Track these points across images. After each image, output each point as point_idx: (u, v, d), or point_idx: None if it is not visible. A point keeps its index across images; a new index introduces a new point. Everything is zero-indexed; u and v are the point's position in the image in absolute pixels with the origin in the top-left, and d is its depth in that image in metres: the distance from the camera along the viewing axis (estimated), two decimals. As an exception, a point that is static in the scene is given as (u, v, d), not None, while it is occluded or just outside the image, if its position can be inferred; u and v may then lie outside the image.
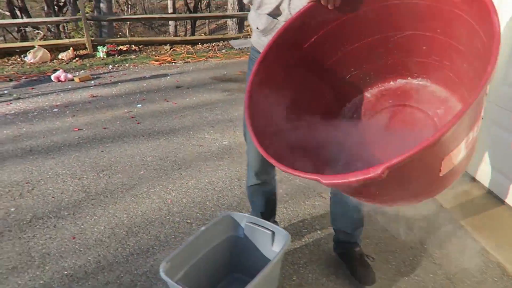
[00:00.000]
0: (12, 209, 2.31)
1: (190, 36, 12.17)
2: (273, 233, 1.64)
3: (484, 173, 2.51)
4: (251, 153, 1.81)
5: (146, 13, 18.83)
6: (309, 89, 1.31)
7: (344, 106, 1.39)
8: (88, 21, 6.81)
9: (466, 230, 2.14)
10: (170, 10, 17.23)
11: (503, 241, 2.03)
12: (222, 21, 16.62)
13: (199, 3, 17.28)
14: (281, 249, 1.51)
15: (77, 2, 10.25)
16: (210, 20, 16.23)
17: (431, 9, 1.05)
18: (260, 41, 1.61)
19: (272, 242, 1.65)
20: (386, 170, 0.72)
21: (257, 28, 1.57)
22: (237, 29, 11.74)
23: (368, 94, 1.35)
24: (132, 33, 15.72)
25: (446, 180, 1.00)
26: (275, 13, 1.42)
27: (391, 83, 1.31)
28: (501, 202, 2.36)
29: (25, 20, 7.94)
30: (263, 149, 1.01)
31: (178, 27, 17.01)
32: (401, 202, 1.23)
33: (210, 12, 18.24)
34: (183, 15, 11.77)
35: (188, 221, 2.19)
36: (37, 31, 8.92)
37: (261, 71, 1.20)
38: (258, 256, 1.68)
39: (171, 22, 15.48)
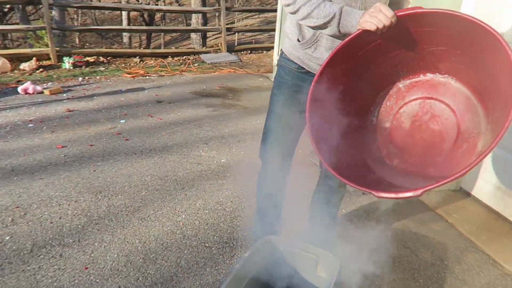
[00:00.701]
0: (7, 238, 2.09)
1: (163, 49, 11.90)
2: (317, 257, 1.61)
3: (481, 189, 2.64)
4: (272, 154, 1.77)
5: (97, 23, 18.22)
6: (352, 90, 1.49)
7: (378, 94, 1.56)
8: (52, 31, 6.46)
9: (476, 244, 2.22)
10: (124, 20, 16.88)
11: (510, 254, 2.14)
12: (176, 33, 16.53)
13: (154, 15, 17.05)
14: (334, 275, 1.48)
15: (32, 9, 9.71)
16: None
17: (463, 37, 1.19)
18: (296, 53, 1.61)
19: (316, 267, 1.62)
20: (424, 192, 1.06)
21: (298, 41, 1.56)
22: (201, 42, 11.69)
23: (400, 85, 1.52)
24: (82, 43, 15.11)
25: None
26: (321, 27, 1.42)
27: (421, 76, 1.48)
28: (497, 214, 2.49)
29: None
30: (327, 164, 1.28)
31: (132, 38, 16.67)
32: None
33: (165, 24, 17.99)
34: (152, 27, 11.54)
35: (207, 244, 2.10)
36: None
37: (316, 90, 1.36)
38: (302, 282, 1.63)
39: (125, 33, 15.18)
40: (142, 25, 15.65)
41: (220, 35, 12.13)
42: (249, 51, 8.10)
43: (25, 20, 12.35)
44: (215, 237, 2.17)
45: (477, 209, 2.60)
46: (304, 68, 1.61)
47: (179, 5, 17.82)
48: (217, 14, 11.54)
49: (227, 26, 7.94)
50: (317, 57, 1.54)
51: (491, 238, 2.29)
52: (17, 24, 10.10)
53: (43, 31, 7.51)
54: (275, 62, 6.07)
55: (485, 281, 1.94)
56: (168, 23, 19.13)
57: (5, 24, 10.20)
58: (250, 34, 12.69)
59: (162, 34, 15.76)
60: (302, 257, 1.63)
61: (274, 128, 1.73)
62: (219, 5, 7.57)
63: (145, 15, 15.54)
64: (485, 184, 2.61)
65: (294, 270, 1.64)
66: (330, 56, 1.34)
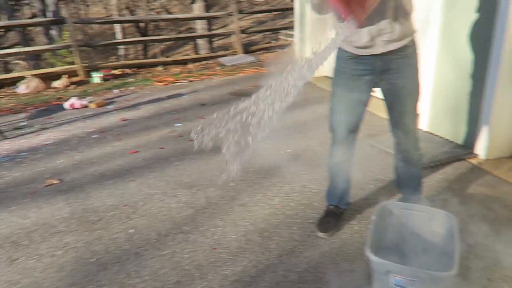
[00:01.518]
0: (131, 231, 2.33)
1: (160, 57, 12.08)
2: (431, 215, 1.86)
3: None
4: (338, 130, 2.12)
5: (90, 38, 18.40)
6: None
7: None
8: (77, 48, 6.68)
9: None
10: (119, 33, 17.11)
11: None
12: (170, 42, 16.87)
13: (147, 25, 17.35)
14: (454, 229, 1.72)
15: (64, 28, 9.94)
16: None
17: None
18: (344, 44, 1.94)
19: (431, 224, 1.86)
20: None
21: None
22: (208, 48, 11.93)
23: None
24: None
25: None
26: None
27: None
28: None
29: (15, 49, 7.61)
30: None
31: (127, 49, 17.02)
32: None
33: (158, 33, 18.11)
34: (174, 35, 11.65)
35: (310, 221, 2.34)
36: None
37: None
38: (419, 240, 1.87)
39: (122, 45, 15.47)
40: (136, 36, 15.95)
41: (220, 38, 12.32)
42: (264, 51, 8.35)
43: (25, 42, 12.58)
44: (314, 214, 2.41)
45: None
46: (354, 54, 1.93)
47: (169, 13, 18.10)
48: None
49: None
50: (355, 44, 1.89)
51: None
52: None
53: (63, 50, 7.77)
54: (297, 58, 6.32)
55: None
56: (160, 32, 19.34)
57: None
58: (245, 35, 12.94)
59: (157, 43, 15.97)
60: (417, 217, 1.88)
61: (337, 108, 2.08)
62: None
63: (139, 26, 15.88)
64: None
65: (410, 229, 1.89)
66: None
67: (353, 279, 1.88)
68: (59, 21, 7.07)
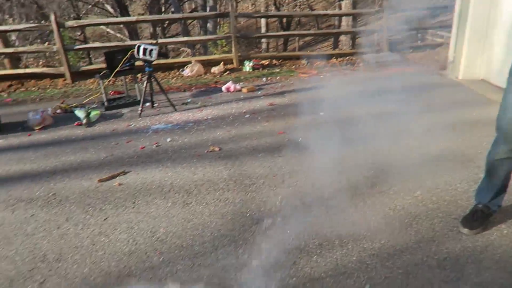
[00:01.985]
0: (279, 197, 2.64)
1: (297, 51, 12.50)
2: None
3: None
4: (508, 128, 1.99)
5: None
6: None
7: None
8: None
9: None
10: (263, 28, 18.14)
11: None
12: (308, 38, 17.21)
13: (291, 21, 18.02)
14: None
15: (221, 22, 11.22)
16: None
17: None
18: None
19: None
20: None
21: None
22: (350, 44, 11.92)
23: None
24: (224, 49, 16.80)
25: None
26: None
27: None
28: None
29: (185, 38, 8.88)
30: None
31: (269, 43, 18.01)
32: None
33: (299, 29, 18.54)
34: (320, 31, 12.09)
35: (453, 217, 2.33)
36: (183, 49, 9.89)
37: None
38: None
39: (264, 39, 16.47)
40: (279, 31, 16.78)
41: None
42: (411, 50, 8.04)
43: (186, 32, 14.27)
44: (458, 211, 2.38)
45: None
46: None
47: (312, 9, 18.46)
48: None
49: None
50: None
51: None
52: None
53: (222, 41, 8.69)
54: (450, 59, 5.96)
55: None
56: (302, 27, 19.85)
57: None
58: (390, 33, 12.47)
59: (297, 38, 16.47)
60: None
61: None
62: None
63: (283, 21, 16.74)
64: None
65: None
66: None
67: (498, 277, 1.85)
68: (223, 15, 7.91)
